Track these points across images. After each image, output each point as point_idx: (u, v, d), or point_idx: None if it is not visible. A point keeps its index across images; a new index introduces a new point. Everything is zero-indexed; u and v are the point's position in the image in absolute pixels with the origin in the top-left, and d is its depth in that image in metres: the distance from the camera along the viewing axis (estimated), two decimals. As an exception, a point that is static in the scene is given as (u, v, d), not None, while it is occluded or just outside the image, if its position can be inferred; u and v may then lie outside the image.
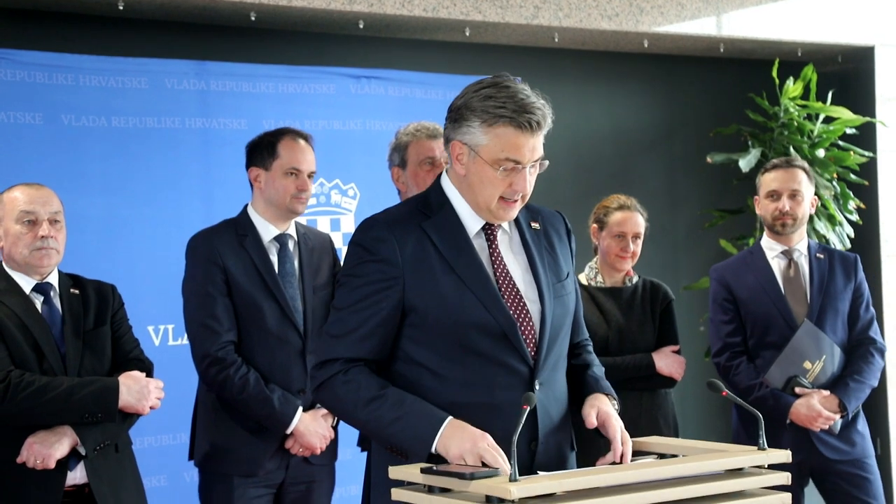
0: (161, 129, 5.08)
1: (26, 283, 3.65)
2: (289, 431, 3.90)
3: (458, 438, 2.62)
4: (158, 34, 5.43)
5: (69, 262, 3.79)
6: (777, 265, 4.57)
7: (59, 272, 3.74)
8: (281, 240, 4.03)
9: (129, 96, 5.01)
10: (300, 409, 3.92)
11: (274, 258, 4.01)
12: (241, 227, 4.01)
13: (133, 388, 3.59)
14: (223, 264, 3.92)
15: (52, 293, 3.67)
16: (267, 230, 4.02)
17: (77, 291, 3.72)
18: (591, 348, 3.06)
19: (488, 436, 2.62)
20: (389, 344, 2.78)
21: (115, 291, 3.82)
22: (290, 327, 3.96)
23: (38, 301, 3.65)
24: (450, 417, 2.66)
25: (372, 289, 2.74)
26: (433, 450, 2.64)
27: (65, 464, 3.53)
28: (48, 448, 3.49)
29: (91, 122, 4.94)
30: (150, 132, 5.06)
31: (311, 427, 3.93)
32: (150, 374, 3.75)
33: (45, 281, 3.67)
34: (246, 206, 4.08)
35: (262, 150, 4.04)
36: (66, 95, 4.88)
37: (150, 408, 3.65)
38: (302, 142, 4.06)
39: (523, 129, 2.71)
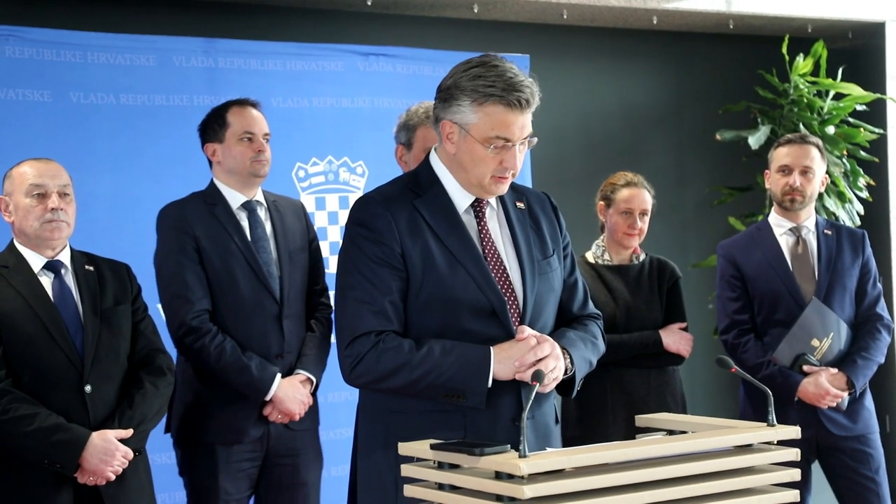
0: (169, 106, 5.08)
1: (36, 261, 3.62)
2: (268, 398, 3.90)
3: (503, 366, 2.74)
4: (167, 11, 5.42)
5: (77, 240, 3.78)
6: (785, 242, 4.56)
7: (72, 249, 3.72)
8: (249, 206, 4.04)
9: (138, 74, 5.00)
10: (278, 375, 3.91)
11: (245, 224, 4.01)
12: (209, 197, 4.03)
13: (99, 448, 3.46)
14: (193, 233, 3.92)
15: (63, 270, 3.64)
16: (234, 198, 4.03)
17: (92, 268, 3.69)
18: (599, 323, 3.06)
19: (514, 344, 2.75)
20: (403, 315, 2.81)
21: (130, 272, 3.79)
22: (265, 293, 3.95)
23: (49, 279, 3.61)
24: (492, 350, 2.74)
25: (379, 263, 2.79)
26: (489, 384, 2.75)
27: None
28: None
29: (99, 99, 4.93)
30: (159, 110, 5.05)
31: (289, 393, 3.92)
32: (169, 368, 3.73)
33: (56, 258, 3.64)
34: (212, 179, 4.09)
35: (212, 125, 4.07)
36: (75, 73, 4.87)
37: (112, 473, 3.50)
38: (250, 107, 4.10)
39: (513, 107, 2.76)
